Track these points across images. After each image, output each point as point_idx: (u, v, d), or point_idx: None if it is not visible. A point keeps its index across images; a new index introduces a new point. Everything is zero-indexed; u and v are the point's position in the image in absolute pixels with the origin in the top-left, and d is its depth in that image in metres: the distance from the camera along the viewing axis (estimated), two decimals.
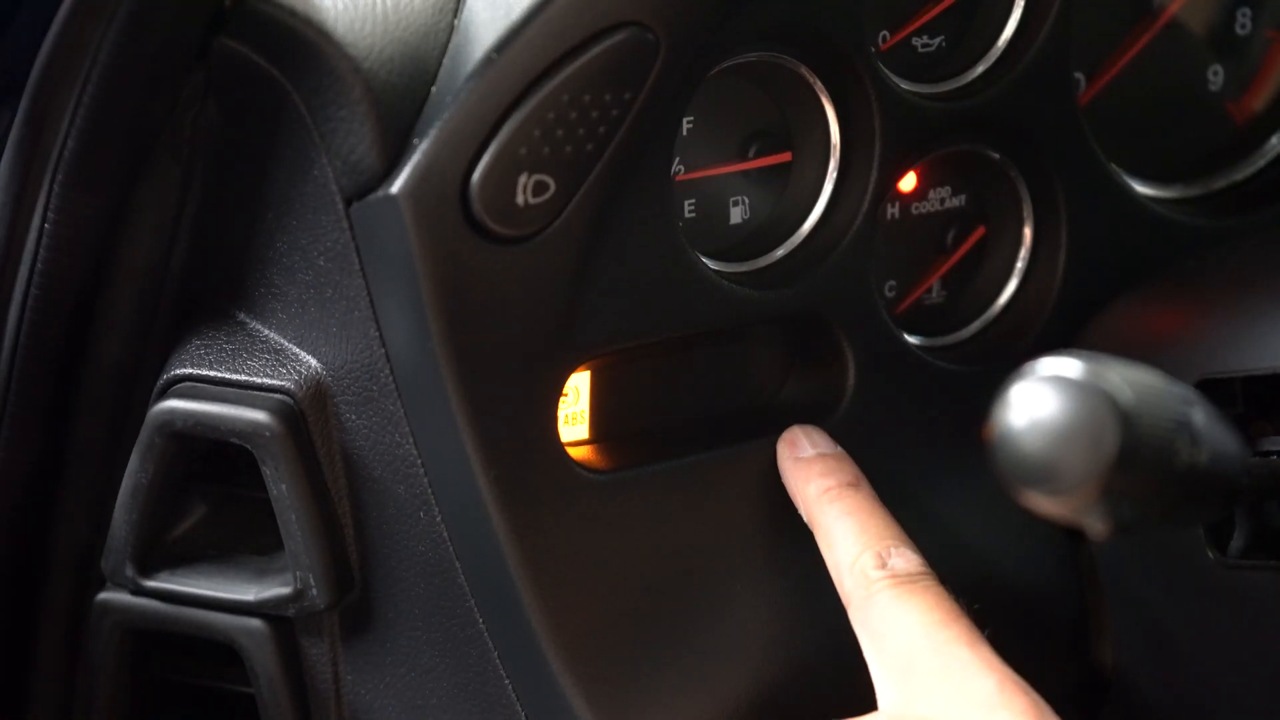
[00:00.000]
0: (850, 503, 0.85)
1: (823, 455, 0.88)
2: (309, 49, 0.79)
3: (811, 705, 0.86)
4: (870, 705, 0.81)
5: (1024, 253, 0.97)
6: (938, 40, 0.94)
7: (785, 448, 0.89)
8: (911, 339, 0.95)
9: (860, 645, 0.82)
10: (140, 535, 0.87)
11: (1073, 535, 0.94)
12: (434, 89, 0.80)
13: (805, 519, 0.87)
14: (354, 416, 0.84)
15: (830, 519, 0.85)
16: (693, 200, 0.90)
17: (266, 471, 0.84)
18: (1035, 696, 0.77)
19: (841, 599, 0.84)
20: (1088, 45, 0.97)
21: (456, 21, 0.81)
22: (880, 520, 0.85)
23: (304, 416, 0.84)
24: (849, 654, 0.83)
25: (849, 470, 0.87)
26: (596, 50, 0.79)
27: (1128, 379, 0.66)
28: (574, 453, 0.85)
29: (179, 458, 0.86)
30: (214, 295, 0.87)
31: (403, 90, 0.80)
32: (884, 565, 0.82)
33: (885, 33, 0.92)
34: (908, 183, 0.95)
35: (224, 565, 0.88)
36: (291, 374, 0.85)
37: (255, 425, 0.84)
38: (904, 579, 0.82)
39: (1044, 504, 0.66)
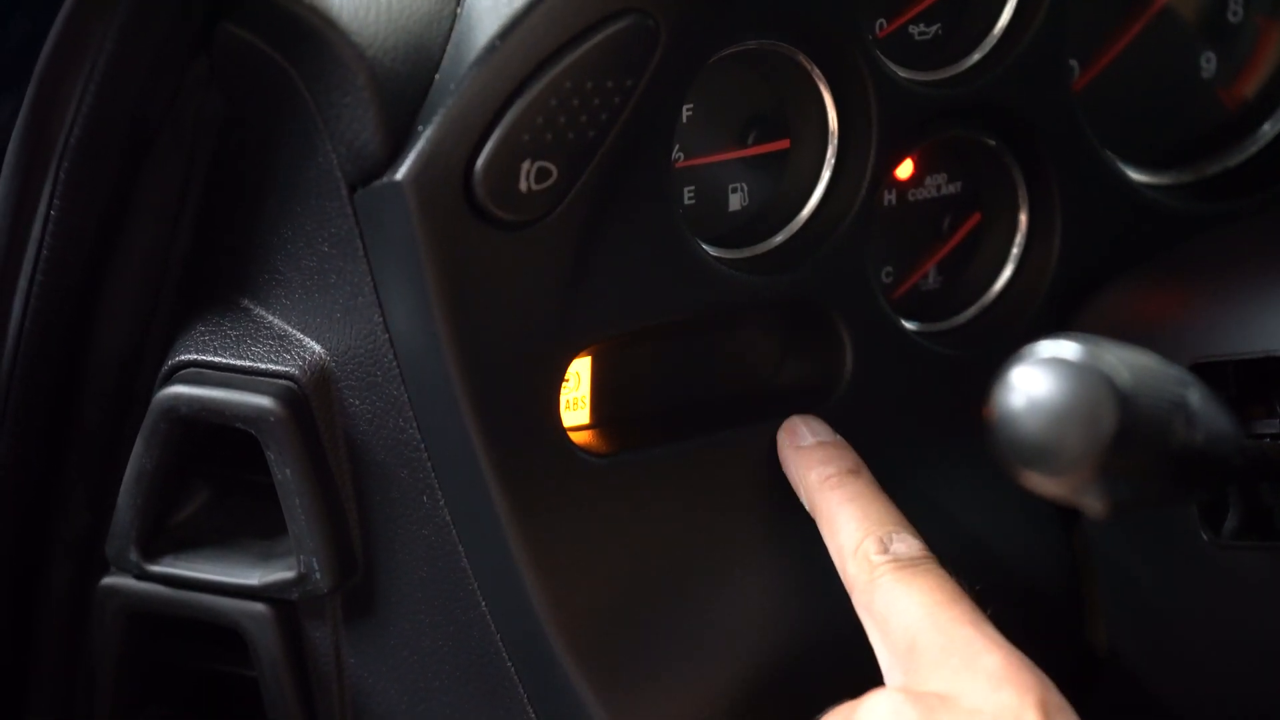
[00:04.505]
0: (851, 489, 0.86)
1: (822, 443, 0.89)
2: (314, 36, 0.80)
3: (813, 688, 0.86)
4: (874, 687, 0.81)
5: (1019, 238, 0.97)
6: (934, 28, 0.94)
7: (785, 436, 0.90)
8: (908, 324, 0.95)
9: (864, 629, 0.83)
10: (144, 520, 0.87)
11: (1068, 516, 0.95)
12: (438, 76, 0.80)
13: (807, 506, 0.88)
14: (357, 401, 0.85)
15: (832, 505, 0.86)
16: (692, 187, 0.90)
17: (270, 456, 0.84)
18: (1039, 673, 0.78)
19: (845, 584, 0.84)
20: (1082, 33, 0.98)
21: (460, 9, 0.82)
22: (881, 506, 0.86)
23: (308, 401, 0.85)
24: (851, 637, 0.83)
25: (849, 457, 0.88)
26: (599, 37, 0.79)
27: (1125, 360, 0.67)
28: (575, 437, 0.86)
29: (183, 443, 0.87)
30: (218, 282, 0.88)
31: (407, 77, 0.80)
32: (886, 550, 0.83)
33: (882, 20, 0.92)
34: (904, 169, 0.95)
35: (228, 550, 0.89)
36: (295, 359, 0.85)
37: (259, 410, 0.84)
38: (906, 563, 0.82)
39: (1042, 484, 0.67)
